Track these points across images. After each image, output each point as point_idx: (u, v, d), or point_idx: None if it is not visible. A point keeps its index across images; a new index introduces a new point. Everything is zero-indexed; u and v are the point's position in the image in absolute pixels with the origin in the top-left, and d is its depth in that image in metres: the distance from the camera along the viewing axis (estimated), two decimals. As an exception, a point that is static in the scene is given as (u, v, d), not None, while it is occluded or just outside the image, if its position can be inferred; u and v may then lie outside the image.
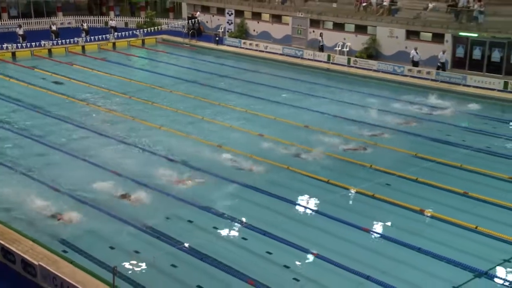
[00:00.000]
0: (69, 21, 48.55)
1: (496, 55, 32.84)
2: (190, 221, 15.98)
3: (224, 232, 15.33)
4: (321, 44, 38.32)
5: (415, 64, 33.78)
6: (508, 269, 13.77)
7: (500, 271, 13.68)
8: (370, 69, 34.72)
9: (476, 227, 15.53)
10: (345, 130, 23.92)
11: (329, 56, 36.75)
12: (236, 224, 15.70)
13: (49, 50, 39.52)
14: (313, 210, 16.66)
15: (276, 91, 30.59)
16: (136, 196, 17.21)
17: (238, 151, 21.23)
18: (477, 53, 33.20)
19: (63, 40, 40.00)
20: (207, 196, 17.47)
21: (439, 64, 33.10)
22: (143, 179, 18.51)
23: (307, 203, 17.10)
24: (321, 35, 38.38)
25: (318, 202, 17.14)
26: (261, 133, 23.50)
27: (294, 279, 13.29)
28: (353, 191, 17.92)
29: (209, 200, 17.15)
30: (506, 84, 30.06)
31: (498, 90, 30.04)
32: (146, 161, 20.40)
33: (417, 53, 33.73)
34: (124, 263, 13.57)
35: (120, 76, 33.62)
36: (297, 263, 13.98)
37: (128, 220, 15.79)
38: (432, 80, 32.24)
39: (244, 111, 26.73)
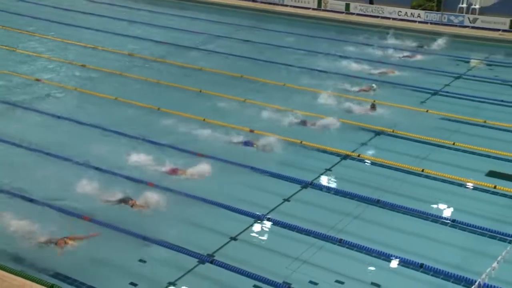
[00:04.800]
0: None
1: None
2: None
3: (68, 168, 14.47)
4: None
5: None
6: (330, 177, 14.93)
7: (323, 179, 14.78)
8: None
9: (301, 142, 16.45)
10: (172, 55, 23.65)
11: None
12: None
13: None
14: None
15: (94, 18, 29.06)
16: None
17: (59, 84, 20.09)
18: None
19: None
20: (32, 131, 16.46)
21: None
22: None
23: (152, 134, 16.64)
24: None
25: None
26: (83, 63, 22.35)
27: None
28: (187, 117, 17.84)
29: (42, 134, 16.23)
30: (319, 2, 31.42)
31: (313, 9, 31.37)
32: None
33: None
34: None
35: None
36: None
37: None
38: (253, 1, 32.62)
39: (60, 41, 25.10)
